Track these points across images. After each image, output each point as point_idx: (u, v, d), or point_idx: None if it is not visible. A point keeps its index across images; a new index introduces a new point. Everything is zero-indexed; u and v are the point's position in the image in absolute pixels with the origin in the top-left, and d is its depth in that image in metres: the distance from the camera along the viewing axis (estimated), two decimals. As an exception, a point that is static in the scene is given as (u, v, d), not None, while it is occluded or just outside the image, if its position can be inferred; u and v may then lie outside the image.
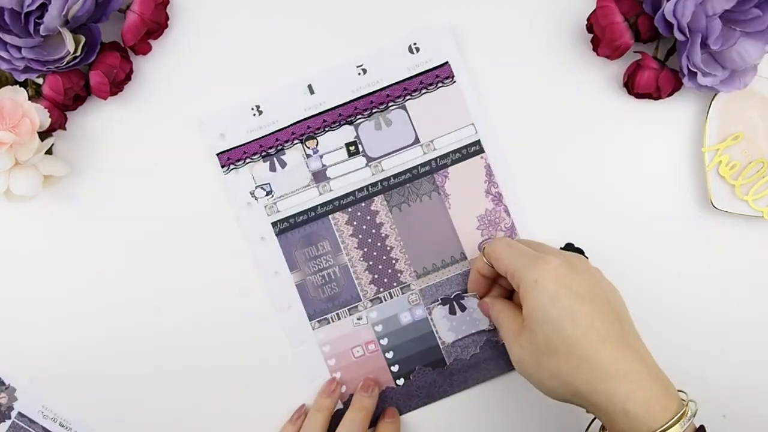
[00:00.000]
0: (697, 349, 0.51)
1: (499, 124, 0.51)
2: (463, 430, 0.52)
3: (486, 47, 0.51)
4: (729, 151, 0.49)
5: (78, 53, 0.46)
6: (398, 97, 0.51)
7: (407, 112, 0.51)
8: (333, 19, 0.51)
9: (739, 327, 0.51)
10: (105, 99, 0.49)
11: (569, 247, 0.49)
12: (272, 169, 0.51)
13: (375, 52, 0.51)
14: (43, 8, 0.44)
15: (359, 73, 0.51)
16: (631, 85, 0.49)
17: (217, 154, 0.51)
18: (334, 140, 0.51)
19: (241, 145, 0.51)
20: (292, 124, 0.51)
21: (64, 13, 0.43)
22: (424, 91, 0.51)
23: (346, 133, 0.51)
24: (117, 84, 0.49)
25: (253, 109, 0.51)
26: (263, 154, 0.51)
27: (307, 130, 0.51)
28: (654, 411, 0.39)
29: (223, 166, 0.51)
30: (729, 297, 0.51)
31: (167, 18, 0.50)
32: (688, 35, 0.44)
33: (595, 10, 0.47)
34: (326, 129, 0.51)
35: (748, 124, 0.49)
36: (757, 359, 0.51)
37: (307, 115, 0.51)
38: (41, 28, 0.44)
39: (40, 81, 0.48)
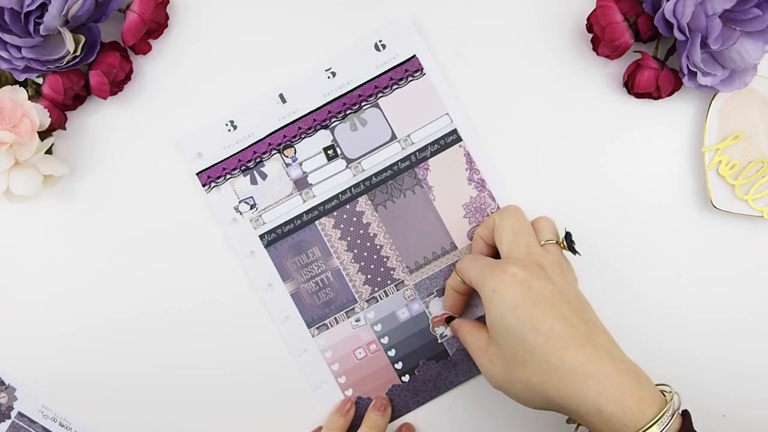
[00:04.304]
0: (698, 348, 0.51)
1: (483, 116, 0.51)
2: (474, 419, 0.52)
3: (485, 46, 0.51)
4: (729, 151, 0.49)
5: (78, 53, 0.46)
6: (370, 95, 0.51)
7: (381, 110, 0.51)
8: (297, 25, 0.51)
9: (739, 327, 0.51)
10: (105, 99, 0.49)
11: (566, 237, 0.48)
12: (253, 182, 0.51)
13: (342, 54, 0.51)
14: (43, 8, 0.44)
15: (329, 77, 0.51)
16: (631, 85, 0.48)
17: (197, 174, 0.51)
18: (311, 146, 0.51)
19: (219, 162, 0.51)
20: (267, 135, 0.51)
21: (64, 12, 0.43)
22: (395, 86, 0.51)
23: (322, 137, 0.51)
24: (117, 84, 0.49)
25: (227, 124, 0.51)
26: (242, 168, 0.51)
27: (283, 139, 0.51)
28: (628, 406, 0.39)
29: (204, 185, 0.51)
30: (729, 297, 0.51)
31: (167, 18, 0.50)
32: (687, 35, 0.44)
33: (595, 10, 0.47)
34: (302, 136, 0.51)
35: (748, 124, 0.49)
36: (757, 359, 0.51)
37: (282, 125, 0.51)
38: (41, 27, 0.44)
39: (40, 81, 0.48)
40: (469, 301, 0.51)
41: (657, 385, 0.41)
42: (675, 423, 0.39)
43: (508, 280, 0.42)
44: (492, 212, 0.51)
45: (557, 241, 0.46)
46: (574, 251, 0.46)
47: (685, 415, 0.40)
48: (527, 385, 0.41)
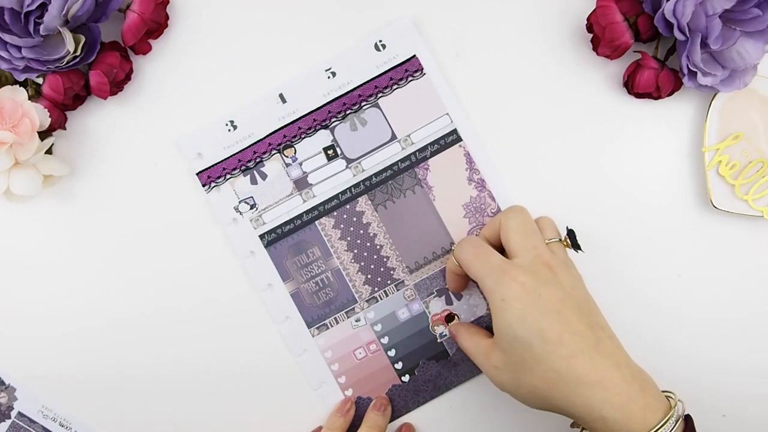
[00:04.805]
0: (698, 348, 0.51)
1: (483, 116, 0.51)
2: (474, 419, 0.52)
3: (485, 46, 0.51)
4: (729, 151, 0.49)
5: (78, 53, 0.46)
6: (370, 95, 0.51)
7: (381, 110, 0.51)
8: (297, 25, 0.51)
9: (739, 327, 0.51)
10: (105, 99, 0.49)
11: (569, 234, 0.48)
12: (253, 182, 0.51)
13: (342, 54, 0.51)
14: (43, 8, 0.44)
15: (329, 77, 0.51)
16: (631, 85, 0.48)
17: (197, 174, 0.51)
18: (311, 146, 0.51)
19: (219, 162, 0.51)
20: (267, 135, 0.51)
21: (64, 12, 0.43)
22: (395, 86, 0.51)
23: (322, 137, 0.51)
24: (117, 84, 0.49)
25: (227, 124, 0.51)
26: (243, 168, 0.51)
27: (283, 139, 0.51)
28: (632, 413, 0.39)
29: (204, 185, 0.51)
30: (729, 297, 0.51)
31: (167, 18, 0.50)
32: (688, 35, 0.44)
33: (595, 10, 0.47)
34: (302, 136, 0.51)
35: (748, 124, 0.49)
36: (757, 359, 0.51)
37: (282, 125, 0.51)
38: (41, 27, 0.44)
39: (40, 81, 0.48)
40: (469, 300, 0.51)
41: (662, 391, 0.42)
42: (678, 430, 0.39)
43: (517, 290, 0.42)
44: (492, 213, 0.51)
45: (561, 239, 0.46)
46: (577, 248, 0.46)
47: (688, 420, 0.41)
48: (533, 390, 0.42)
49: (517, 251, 0.45)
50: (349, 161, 0.51)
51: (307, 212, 0.51)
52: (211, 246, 0.51)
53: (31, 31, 0.45)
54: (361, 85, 0.51)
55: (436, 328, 0.51)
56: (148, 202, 0.51)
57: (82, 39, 0.46)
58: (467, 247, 0.46)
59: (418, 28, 0.50)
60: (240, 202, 0.51)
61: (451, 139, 0.51)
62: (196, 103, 0.51)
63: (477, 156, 0.51)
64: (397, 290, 0.51)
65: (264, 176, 0.51)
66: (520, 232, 0.45)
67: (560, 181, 0.51)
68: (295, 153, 0.51)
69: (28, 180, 0.47)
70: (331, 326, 0.51)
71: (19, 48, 0.44)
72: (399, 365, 0.52)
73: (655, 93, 0.48)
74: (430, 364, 0.52)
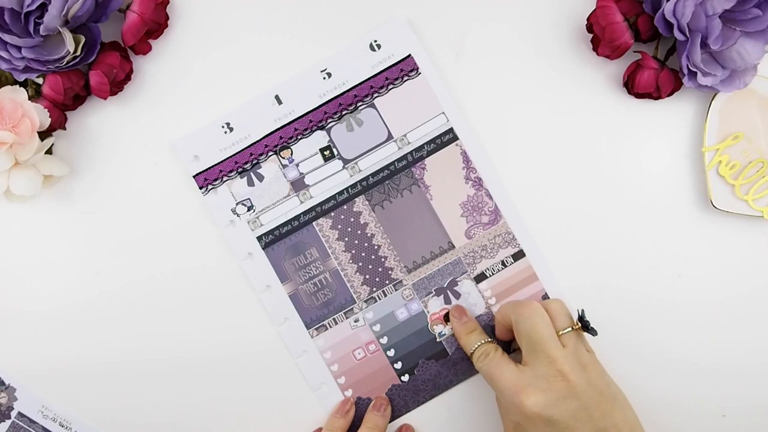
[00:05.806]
0: (697, 348, 0.51)
1: (480, 115, 0.51)
2: (474, 418, 0.52)
3: (483, 45, 0.51)
4: (729, 151, 0.49)
5: (78, 53, 0.46)
6: (366, 96, 0.51)
7: (377, 110, 0.51)
8: (292, 26, 0.51)
9: (739, 326, 0.51)
10: (105, 99, 0.49)
11: (581, 319, 0.46)
12: (250, 183, 0.51)
13: (337, 54, 0.50)
14: (43, 8, 0.44)
15: (324, 78, 0.50)
16: (631, 85, 0.48)
17: (194, 176, 0.51)
18: (308, 147, 0.51)
19: (216, 164, 0.51)
20: (264, 137, 0.51)
21: (64, 13, 0.44)
22: (390, 86, 0.50)
23: (318, 138, 0.51)
24: (117, 84, 0.49)
25: (223, 126, 0.51)
26: (239, 170, 0.51)
27: (279, 140, 0.51)
28: None
29: (201, 188, 0.51)
30: (729, 297, 0.51)
31: (167, 18, 0.50)
32: (688, 35, 0.44)
33: (595, 10, 0.47)
34: (299, 137, 0.51)
35: (748, 124, 0.49)
36: (757, 359, 0.51)
37: (278, 126, 0.51)
38: (41, 28, 0.44)
39: (40, 81, 0.48)
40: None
41: None
42: None
43: (530, 412, 0.43)
44: (489, 210, 0.51)
45: (573, 327, 0.46)
46: (591, 332, 0.45)
47: None
48: None
49: (530, 360, 0.45)
50: (345, 162, 0.51)
51: (304, 213, 0.51)
52: (209, 248, 0.51)
53: (31, 31, 0.45)
54: (356, 86, 0.50)
55: (434, 327, 0.51)
56: (147, 203, 0.52)
57: (82, 39, 0.46)
58: (482, 358, 0.47)
59: (413, 28, 0.50)
60: (237, 204, 0.51)
61: (448, 138, 0.51)
62: (195, 104, 0.51)
63: (474, 155, 0.51)
64: (396, 290, 0.51)
65: (261, 178, 0.51)
66: (530, 341, 0.45)
67: (559, 180, 0.51)
68: (291, 154, 0.51)
69: (28, 180, 0.47)
70: (330, 327, 0.51)
71: (19, 48, 0.44)
72: (398, 365, 0.52)
73: (655, 93, 0.48)
74: (429, 364, 0.52)
